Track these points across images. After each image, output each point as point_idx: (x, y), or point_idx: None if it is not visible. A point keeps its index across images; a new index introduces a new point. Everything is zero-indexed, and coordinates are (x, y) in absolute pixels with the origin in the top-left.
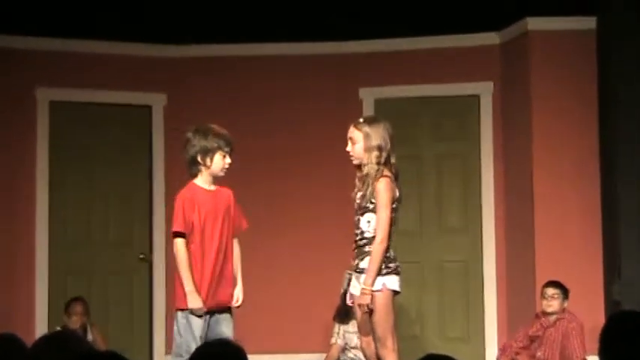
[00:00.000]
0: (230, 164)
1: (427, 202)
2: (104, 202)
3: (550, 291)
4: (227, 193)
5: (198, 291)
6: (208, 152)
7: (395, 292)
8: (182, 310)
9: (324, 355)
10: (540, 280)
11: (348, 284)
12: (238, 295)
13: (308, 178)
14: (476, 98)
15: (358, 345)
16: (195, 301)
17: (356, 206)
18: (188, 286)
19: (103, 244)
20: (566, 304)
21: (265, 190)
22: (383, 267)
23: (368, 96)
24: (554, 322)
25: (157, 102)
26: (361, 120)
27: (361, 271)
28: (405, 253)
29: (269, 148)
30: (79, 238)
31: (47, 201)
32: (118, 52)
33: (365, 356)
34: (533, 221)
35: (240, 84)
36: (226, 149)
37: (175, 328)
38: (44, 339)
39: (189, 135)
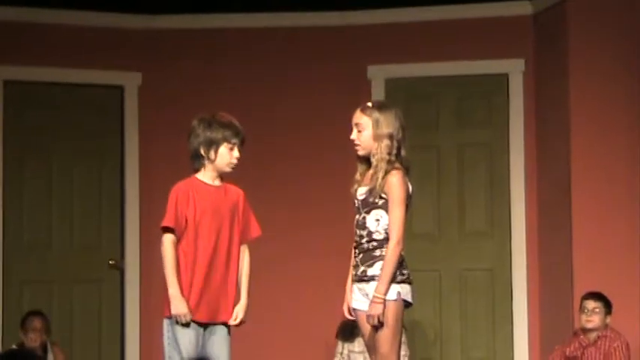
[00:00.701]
0: (239, 159)
1: (447, 201)
2: (68, 199)
3: (590, 304)
4: (236, 192)
5: (184, 295)
6: (212, 144)
7: (407, 305)
8: (167, 318)
9: None
10: (579, 292)
11: None
12: (238, 312)
13: (307, 172)
14: (504, 78)
15: None
16: (179, 306)
17: (358, 203)
18: (172, 288)
19: (66, 248)
20: (608, 320)
21: (258, 186)
22: (397, 273)
23: (378, 75)
24: (595, 341)
25: (131, 82)
26: (369, 104)
27: (370, 279)
28: (420, 260)
29: (260, 136)
30: (38, 241)
31: (0, 198)
32: (85, 23)
33: None
34: (571, 223)
35: (227, 61)
36: (234, 141)
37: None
38: None
39: (194, 124)
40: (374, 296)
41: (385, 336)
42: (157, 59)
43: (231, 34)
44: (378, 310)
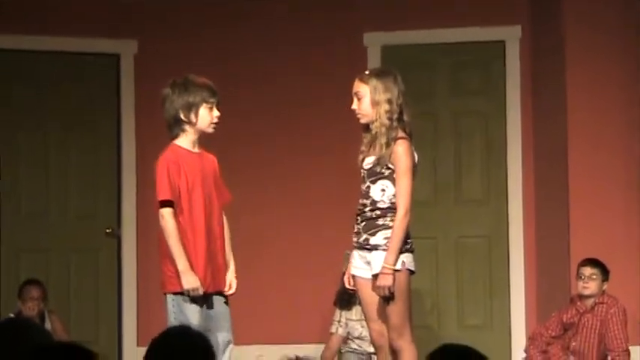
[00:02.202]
0: (219, 117)
1: (443, 168)
2: (64, 168)
3: (587, 271)
4: (211, 158)
5: (194, 269)
6: (192, 107)
7: (411, 273)
8: (174, 293)
9: (323, 345)
10: (576, 259)
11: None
12: (231, 281)
13: (300, 142)
14: (501, 45)
15: (362, 335)
16: (191, 281)
17: (364, 173)
18: (181, 263)
19: (62, 217)
20: (605, 287)
21: (248, 155)
22: None
23: (374, 42)
24: (592, 307)
25: (127, 50)
26: (367, 72)
27: (372, 248)
28: (417, 227)
29: (255, 104)
30: (35, 210)
31: None
32: None
33: (376, 349)
34: (568, 190)
35: (224, 28)
36: (212, 100)
37: (168, 316)
38: None
39: (166, 91)
40: (383, 267)
41: (395, 307)
42: (154, 27)
43: (229, 1)
44: (388, 281)
